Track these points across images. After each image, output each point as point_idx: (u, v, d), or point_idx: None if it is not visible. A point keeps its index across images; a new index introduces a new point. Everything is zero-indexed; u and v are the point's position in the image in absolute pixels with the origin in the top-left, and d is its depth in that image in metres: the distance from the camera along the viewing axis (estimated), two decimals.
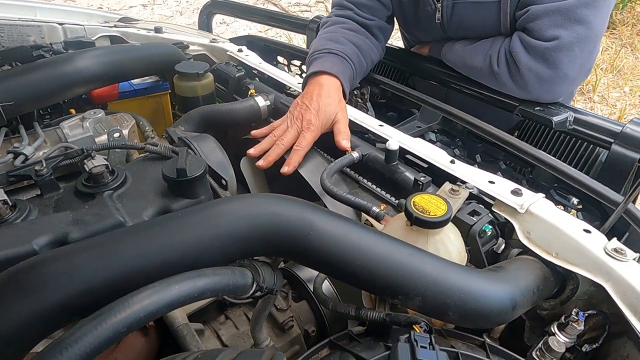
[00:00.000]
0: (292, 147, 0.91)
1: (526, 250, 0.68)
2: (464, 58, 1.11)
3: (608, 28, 4.72)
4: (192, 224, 0.50)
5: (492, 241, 0.72)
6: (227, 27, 4.50)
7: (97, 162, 0.72)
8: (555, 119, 0.95)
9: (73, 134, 0.92)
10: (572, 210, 0.87)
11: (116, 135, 0.92)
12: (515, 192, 0.72)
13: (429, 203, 0.61)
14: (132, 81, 1.22)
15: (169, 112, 1.28)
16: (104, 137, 0.92)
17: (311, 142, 0.92)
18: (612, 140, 0.89)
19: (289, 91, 1.17)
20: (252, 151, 0.93)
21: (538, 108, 1.00)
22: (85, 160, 0.73)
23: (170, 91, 1.26)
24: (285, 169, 0.87)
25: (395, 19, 1.26)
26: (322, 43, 1.10)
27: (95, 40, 1.37)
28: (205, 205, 0.54)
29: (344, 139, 0.90)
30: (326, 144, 0.99)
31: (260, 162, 0.89)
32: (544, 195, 0.72)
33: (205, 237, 0.49)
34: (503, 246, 0.72)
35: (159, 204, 0.69)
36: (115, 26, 1.47)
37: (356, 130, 0.98)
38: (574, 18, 0.91)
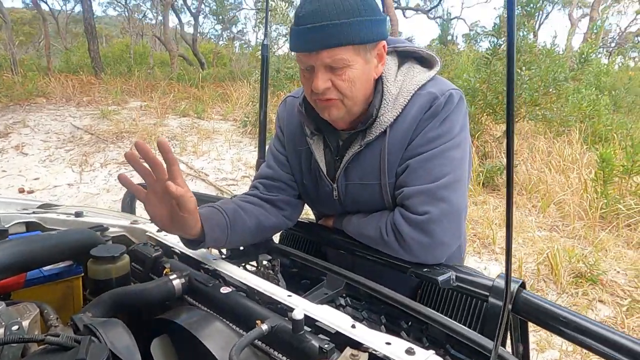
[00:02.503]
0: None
1: None
2: (360, 229, 1.28)
3: (494, 190, 5.57)
4: None
5: None
6: None
7: None
8: (440, 278, 1.09)
9: None
10: None
11: (14, 328, 0.88)
12: (409, 351, 0.79)
13: None
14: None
15: (79, 296, 1.25)
16: (1, 332, 0.88)
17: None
18: (488, 294, 1.03)
19: (205, 267, 1.22)
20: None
21: (426, 269, 1.14)
22: None
23: (83, 274, 1.26)
24: None
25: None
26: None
27: (10, 227, 1.38)
28: None
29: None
30: (236, 315, 1.01)
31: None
32: (435, 352, 0.80)
33: None
34: None
35: None
36: (34, 212, 1.50)
37: (267, 301, 1.04)
38: (437, 197, 1.13)
